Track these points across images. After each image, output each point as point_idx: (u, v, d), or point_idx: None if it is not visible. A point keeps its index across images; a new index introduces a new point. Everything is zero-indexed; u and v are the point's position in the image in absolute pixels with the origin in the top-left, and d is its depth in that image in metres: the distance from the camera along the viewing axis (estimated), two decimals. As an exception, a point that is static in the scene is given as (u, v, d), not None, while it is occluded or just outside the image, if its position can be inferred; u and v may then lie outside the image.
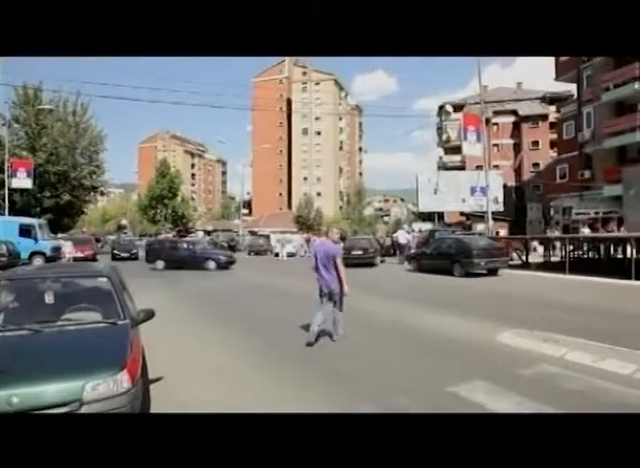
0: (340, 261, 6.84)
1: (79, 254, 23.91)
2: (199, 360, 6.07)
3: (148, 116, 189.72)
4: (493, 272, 16.02)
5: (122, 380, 3.22)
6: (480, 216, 31.93)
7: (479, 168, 31.16)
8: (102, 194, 44.55)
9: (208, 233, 64.01)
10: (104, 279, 4.66)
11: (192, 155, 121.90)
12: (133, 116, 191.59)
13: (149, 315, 4.35)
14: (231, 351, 6.55)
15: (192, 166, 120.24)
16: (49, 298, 4.28)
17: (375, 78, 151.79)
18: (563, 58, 34.28)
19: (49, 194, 32.22)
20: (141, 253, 26.04)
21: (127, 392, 3.22)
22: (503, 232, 34.28)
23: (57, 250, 22.91)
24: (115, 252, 28.67)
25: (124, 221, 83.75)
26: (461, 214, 42.74)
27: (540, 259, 19.14)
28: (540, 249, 21.65)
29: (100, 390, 3.11)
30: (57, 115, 33.30)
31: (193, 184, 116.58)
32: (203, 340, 7.20)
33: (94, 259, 24.49)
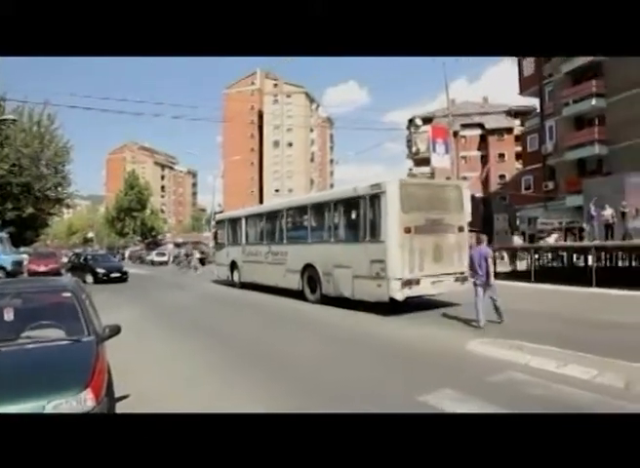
0: (490, 261, 8.68)
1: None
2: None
3: (117, 127, 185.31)
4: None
5: (86, 399, 3.14)
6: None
7: (448, 179, 31.73)
8: (68, 207, 43.24)
9: (178, 245, 62.96)
10: (69, 294, 4.54)
11: (162, 166, 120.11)
12: (101, 127, 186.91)
13: (115, 331, 4.25)
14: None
15: (162, 177, 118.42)
16: (8, 315, 4.13)
17: (346, 90, 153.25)
18: (527, 74, 35.59)
19: (11, 206, 31.05)
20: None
21: (91, 411, 3.13)
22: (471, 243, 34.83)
23: (18, 264, 22.07)
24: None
25: (90, 234, 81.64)
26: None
27: (508, 268, 19.64)
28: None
29: (62, 410, 3.02)
30: (21, 125, 32.26)
31: (163, 196, 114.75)
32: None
33: (58, 274, 23.65)
